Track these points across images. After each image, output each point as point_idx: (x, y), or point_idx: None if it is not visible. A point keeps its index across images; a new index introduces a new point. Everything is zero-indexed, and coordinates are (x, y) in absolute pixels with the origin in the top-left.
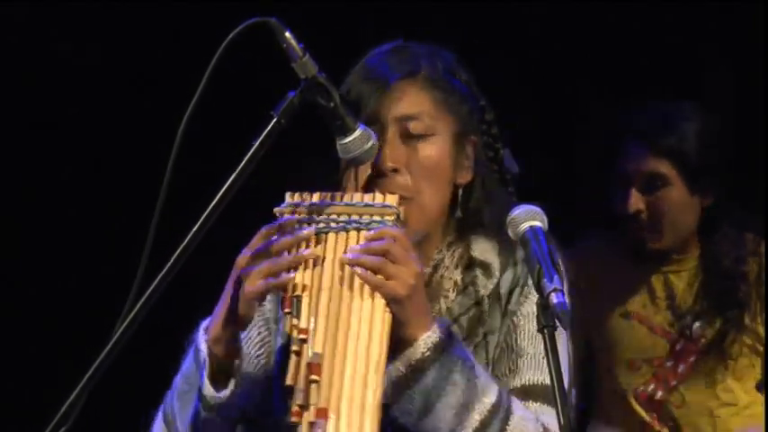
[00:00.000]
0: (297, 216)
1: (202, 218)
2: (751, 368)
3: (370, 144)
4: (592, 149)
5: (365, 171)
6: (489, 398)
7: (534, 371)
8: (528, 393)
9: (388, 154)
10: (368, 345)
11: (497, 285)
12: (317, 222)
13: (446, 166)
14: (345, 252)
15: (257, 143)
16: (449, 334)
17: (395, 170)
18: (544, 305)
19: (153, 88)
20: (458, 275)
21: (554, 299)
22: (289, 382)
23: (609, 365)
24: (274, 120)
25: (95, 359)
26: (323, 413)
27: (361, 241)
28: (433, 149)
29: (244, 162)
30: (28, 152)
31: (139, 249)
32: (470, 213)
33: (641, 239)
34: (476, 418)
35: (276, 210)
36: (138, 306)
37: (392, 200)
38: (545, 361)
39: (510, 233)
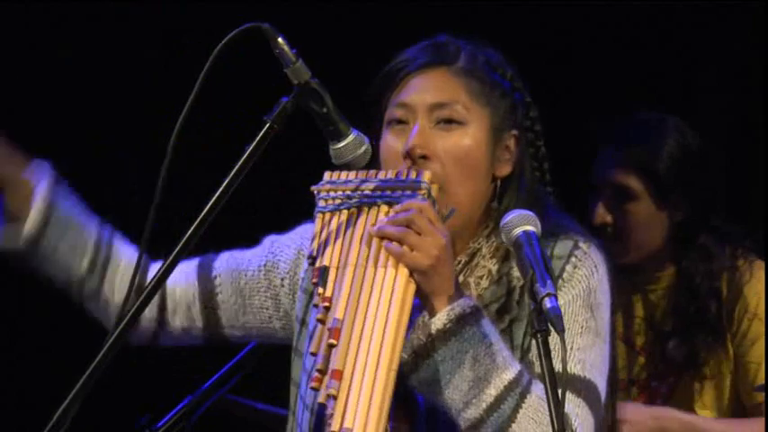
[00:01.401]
0: (332, 193)
1: (197, 222)
2: (724, 392)
3: (363, 149)
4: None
5: (400, 158)
6: (507, 374)
7: (563, 360)
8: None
9: (418, 141)
10: (387, 312)
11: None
12: (351, 198)
13: (479, 157)
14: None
15: (251, 148)
16: (474, 309)
17: (424, 156)
18: (537, 310)
19: (147, 92)
20: (492, 265)
21: (547, 303)
22: (312, 349)
23: None
24: (267, 125)
25: (93, 359)
26: (337, 375)
27: (391, 213)
28: (465, 138)
29: (237, 167)
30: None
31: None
32: (503, 206)
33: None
34: (491, 392)
35: (313, 187)
36: (135, 307)
37: (425, 176)
38: (576, 352)
39: (503, 238)
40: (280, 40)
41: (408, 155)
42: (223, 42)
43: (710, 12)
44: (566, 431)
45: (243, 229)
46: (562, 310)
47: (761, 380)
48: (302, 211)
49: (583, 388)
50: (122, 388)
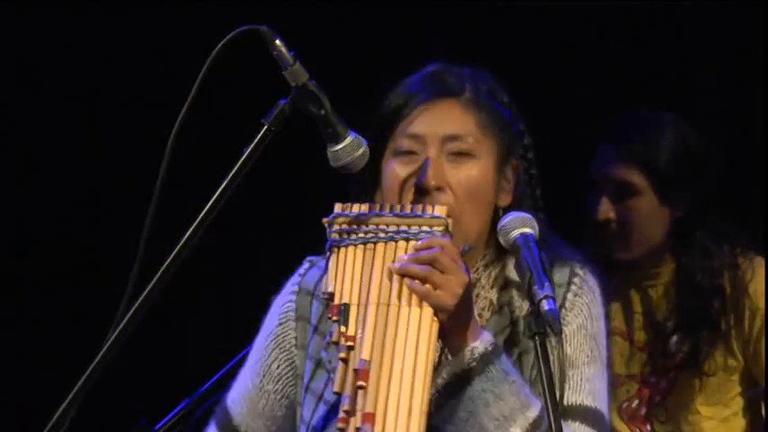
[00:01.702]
0: (345, 226)
1: (196, 222)
2: (724, 388)
3: (360, 151)
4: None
5: (409, 189)
6: (532, 412)
7: (574, 392)
8: (568, 414)
9: (433, 172)
10: (415, 353)
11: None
12: (366, 232)
13: (488, 189)
14: (394, 261)
15: (249, 150)
16: (495, 346)
17: (438, 188)
18: (535, 312)
19: (146, 93)
20: (493, 295)
21: (545, 306)
22: (336, 389)
23: None
24: (265, 127)
25: (93, 358)
26: (369, 418)
27: (410, 251)
28: (476, 170)
29: (235, 168)
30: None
31: (134, 255)
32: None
33: (609, 249)
34: (517, 431)
35: (325, 220)
36: (134, 309)
37: (441, 211)
38: (586, 383)
39: (501, 240)
40: (278, 42)
41: (422, 187)
42: (221, 44)
43: (710, 10)
44: None
45: (240, 230)
46: (568, 340)
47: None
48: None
49: (597, 420)
50: (121, 390)
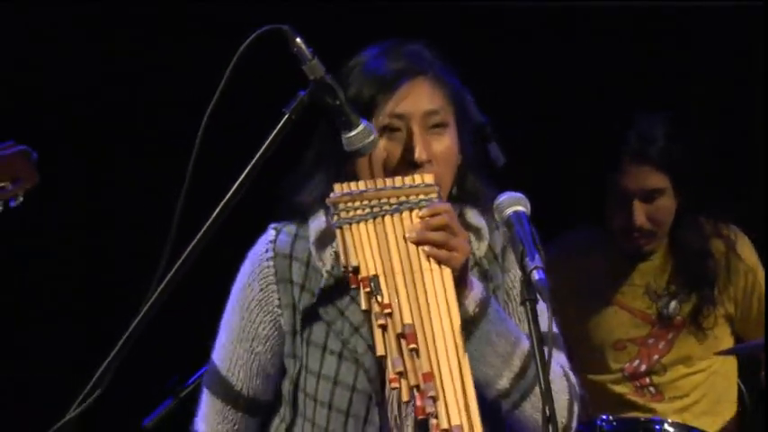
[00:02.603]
0: (350, 204)
1: (223, 202)
2: (725, 336)
3: (371, 138)
4: (586, 154)
5: (399, 162)
6: (524, 345)
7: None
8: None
9: (421, 147)
10: (447, 310)
11: (489, 247)
12: (372, 207)
13: (456, 153)
14: (406, 231)
15: (272, 136)
16: (486, 290)
17: (428, 161)
18: (526, 281)
19: (177, 88)
20: None
21: (535, 275)
22: (380, 353)
23: (595, 349)
24: (286, 116)
25: (129, 325)
26: (429, 377)
27: (414, 219)
28: (450, 140)
29: (260, 153)
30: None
31: (165, 233)
32: (463, 188)
33: (638, 247)
34: (516, 363)
35: (329, 200)
36: (167, 279)
37: (430, 179)
38: (544, 312)
39: (495, 216)
40: (298, 40)
41: (414, 160)
42: (246, 43)
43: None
44: (568, 375)
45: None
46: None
47: None
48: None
49: (561, 344)
50: (153, 352)
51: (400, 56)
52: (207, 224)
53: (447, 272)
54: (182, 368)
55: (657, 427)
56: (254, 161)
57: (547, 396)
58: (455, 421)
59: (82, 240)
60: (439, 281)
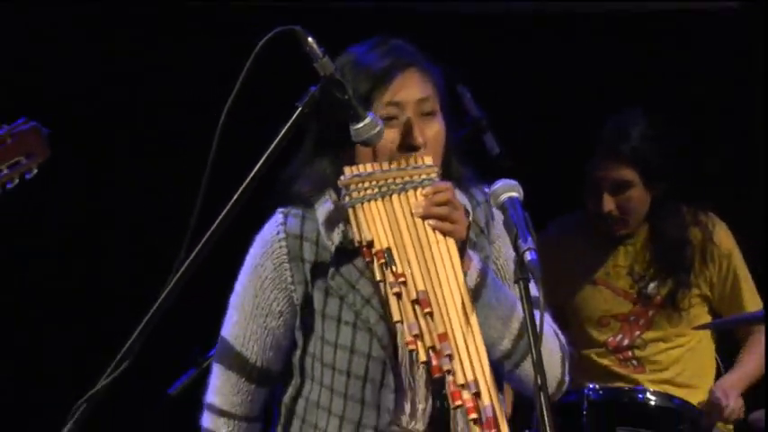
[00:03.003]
0: (360, 185)
1: (240, 189)
2: (698, 316)
3: (378, 129)
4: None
5: (399, 147)
6: (520, 308)
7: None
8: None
9: (417, 133)
10: (455, 277)
11: (475, 222)
12: (380, 187)
13: (444, 137)
14: (412, 207)
15: (286, 128)
16: (482, 262)
17: (424, 145)
18: (520, 261)
19: (195, 87)
20: None
21: (528, 256)
22: (396, 318)
23: (580, 323)
24: (299, 109)
25: (154, 303)
26: (444, 337)
27: (419, 196)
28: (439, 125)
29: (275, 143)
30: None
31: (189, 215)
32: (449, 169)
33: (610, 230)
34: (516, 325)
35: (341, 182)
36: (188, 262)
37: (429, 160)
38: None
39: (492, 201)
40: (310, 39)
41: (413, 145)
42: (261, 43)
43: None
44: (557, 334)
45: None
46: (503, 242)
47: (748, 302)
48: None
49: (538, 305)
50: (177, 323)
51: (388, 50)
52: (225, 210)
53: (451, 242)
54: (203, 341)
55: (640, 396)
56: (269, 151)
57: (539, 366)
58: (470, 377)
59: (81, 239)
60: (445, 251)
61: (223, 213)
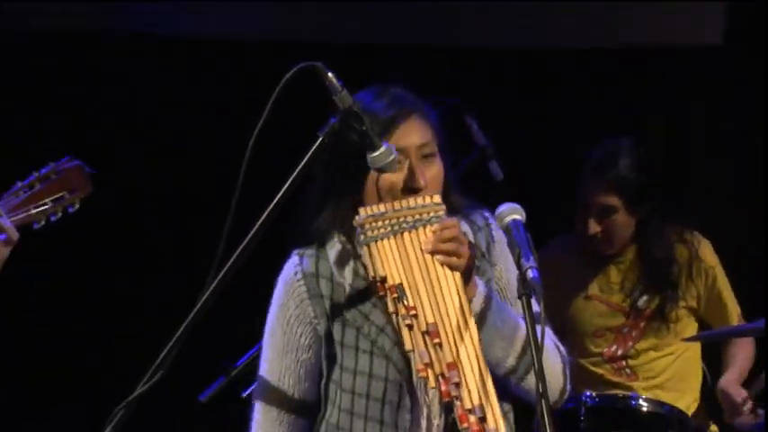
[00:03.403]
0: (374, 224)
1: (270, 206)
2: (686, 327)
3: (392, 157)
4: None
5: (402, 189)
6: (523, 327)
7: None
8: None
9: (419, 176)
10: (461, 308)
11: (477, 247)
12: (392, 225)
13: (443, 176)
14: (422, 244)
15: (308, 156)
16: (487, 288)
17: (425, 186)
18: (522, 278)
19: (225, 120)
20: None
21: (530, 273)
22: (408, 348)
23: (576, 336)
24: (320, 139)
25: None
26: (452, 366)
27: (428, 233)
28: (437, 166)
29: (298, 170)
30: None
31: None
32: (450, 202)
33: (596, 249)
34: (519, 343)
35: (356, 222)
36: (225, 270)
37: (437, 199)
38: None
39: (497, 222)
40: (330, 74)
41: (415, 188)
42: (287, 77)
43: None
44: (558, 346)
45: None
46: (503, 264)
47: (731, 312)
48: None
49: (550, 326)
50: (206, 334)
51: (391, 100)
52: (252, 232)
53: (458, 276)
54: (232, 352)
55: (633, 402)
56: (293, 176)
57: (540, 375)
58: (476, 402)
59: (83, 239)
60: (453, 284)
61: (250, 235)
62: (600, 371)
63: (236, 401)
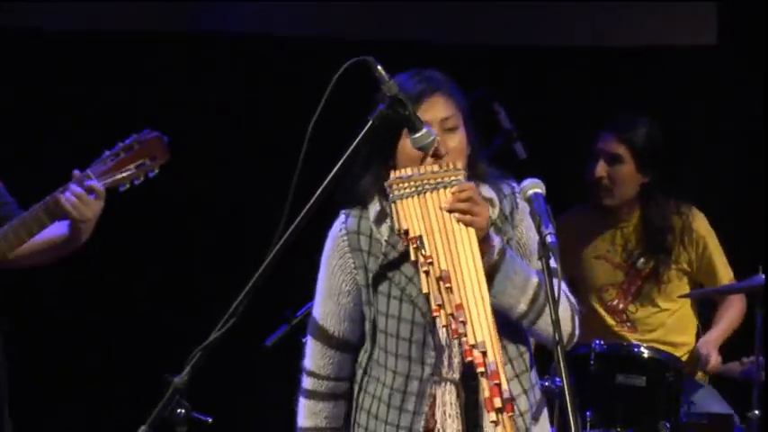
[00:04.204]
0: (402, 185)
1: (325, 182)
2: (678, 287)
3: (431, 138)
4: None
5: (423, 156)
6: (535, 278)
7: (538, 260)
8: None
9: (441, 145)
10: (473, 259)
11: (501, 211)
12: (417, 186)
13: (465, 147)
14: (441, 203)
15: (361, 135)
16: (503, 242)
17: (446, 153)
18: (542, 242)
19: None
20: None
21: (548, 238)
22: (425, 290)
23: (587, 290)
24: (369, 122)
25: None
26: (460, 306)
27: (448, 194)
28: (461, 137)
29: (349, 151)
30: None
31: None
32: (476, 171)
33: (599, 197)
34: (530, 292)
35: (386, 183)
36: (293, 227)
37: (459, 165)
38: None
39: (521, 195)
40: (379, 67)
41: (437, 154)
42: (340, 71)
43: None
44: (568, 296)
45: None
46: (526, 227)
47: (722, 274)
48: None
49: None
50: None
51: (421, 79)
52: (311, 202)
53: (472, 231)
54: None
55: (636, 349)
56: (347, 152)
57: (556, 324)
58: (479, 338)
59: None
60: (466, 238)
61: (309, 205)
62: (609, 322)
63: (295, 346)
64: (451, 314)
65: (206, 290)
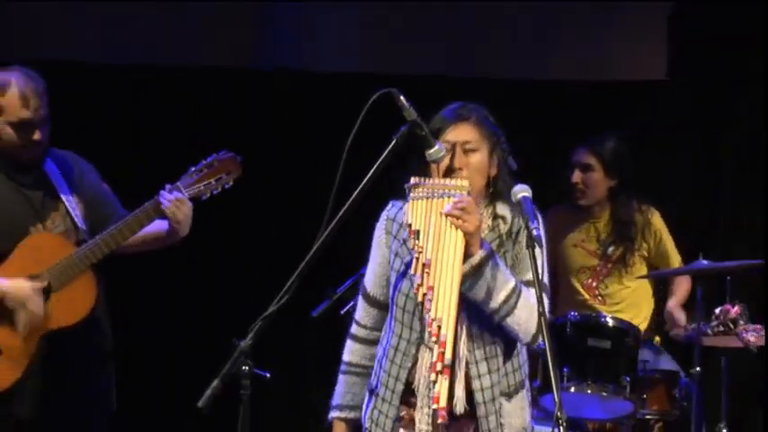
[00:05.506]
0: (417, 189)
1: (361, 185)
2: (639, 269)
3: (443, 153)
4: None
5: (443, 169)
6: (512, 284)
7: (529, 273)
8: (528, 284)
9: (456, 160)
10: (454, 254)
11: (510, 227)
12: (428, 192)
13: (485, 167)
14: (442, 208)
15: (384, 155)
16: (491, 249)
17: (459, 169)
18: (529, 235)
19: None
20: (488, 221)
21: (535, 232)
22: (413, 272)
23: (567, 272)
24: (393, 141)
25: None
26: (431, 288)
27: (450, 202)
28: (478, 158)
29: (376, 166)
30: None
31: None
32: (495, 190)
33: (576, 199)
34: (503, 294)
35: (407, 186)
36: (337, 219)
37: (464, 180)
38: (546, 266)
39: (512, 198)
40: (401, 97)
41: (451, 168)
42: (370, 101)
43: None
44: (543, 298)
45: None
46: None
47: (673, 259)
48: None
49: (546, 289)
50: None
51: (458, 108)
52: (348, 202)
53: (460, 234)
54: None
55: (603, 319)
56: (372, 172)
57: (540, 301)
58: (439, 315)
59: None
60: (453, 238)
61: (345, 206)
62: (582, 297)
63: (337, 318)
64: (425, 293)
65: (265, 274)
